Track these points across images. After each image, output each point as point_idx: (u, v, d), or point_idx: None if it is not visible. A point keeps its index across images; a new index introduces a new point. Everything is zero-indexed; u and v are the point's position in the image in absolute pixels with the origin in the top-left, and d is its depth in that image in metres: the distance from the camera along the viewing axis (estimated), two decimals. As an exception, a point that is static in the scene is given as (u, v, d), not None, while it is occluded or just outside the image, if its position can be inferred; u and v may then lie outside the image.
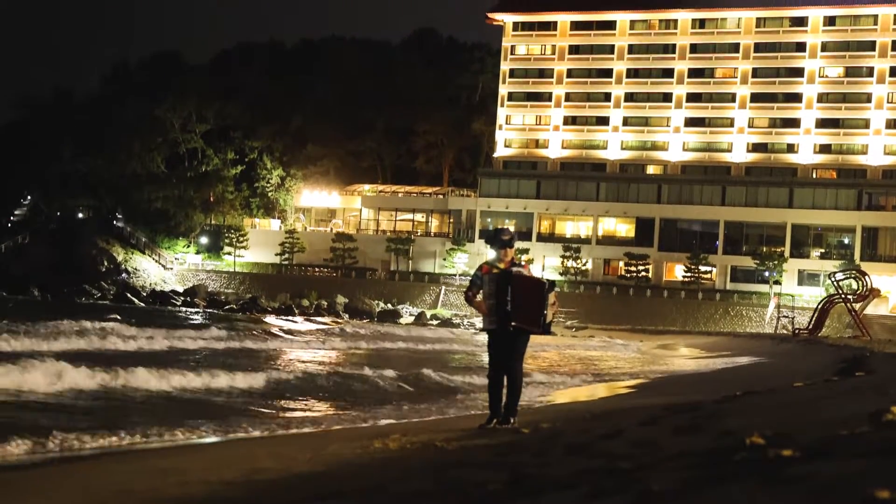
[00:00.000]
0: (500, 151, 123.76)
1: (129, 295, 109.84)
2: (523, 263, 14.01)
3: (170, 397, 20.95)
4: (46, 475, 11.56)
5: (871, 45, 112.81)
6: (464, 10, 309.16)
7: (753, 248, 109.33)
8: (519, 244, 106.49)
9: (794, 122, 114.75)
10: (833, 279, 76.51)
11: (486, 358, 14.43)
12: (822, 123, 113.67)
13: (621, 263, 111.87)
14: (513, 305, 13.44)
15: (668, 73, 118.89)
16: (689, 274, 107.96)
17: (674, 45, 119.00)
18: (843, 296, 73.24)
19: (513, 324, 13.46)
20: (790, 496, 5.36)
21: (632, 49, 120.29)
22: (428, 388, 24.87)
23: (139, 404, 19.55)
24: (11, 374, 20.59)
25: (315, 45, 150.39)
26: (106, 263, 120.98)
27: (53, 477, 11.36)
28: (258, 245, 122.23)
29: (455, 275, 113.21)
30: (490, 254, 13.96)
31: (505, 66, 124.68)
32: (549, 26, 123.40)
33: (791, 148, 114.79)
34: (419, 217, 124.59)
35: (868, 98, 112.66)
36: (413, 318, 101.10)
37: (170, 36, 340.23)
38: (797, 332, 72.54)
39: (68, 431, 14.29)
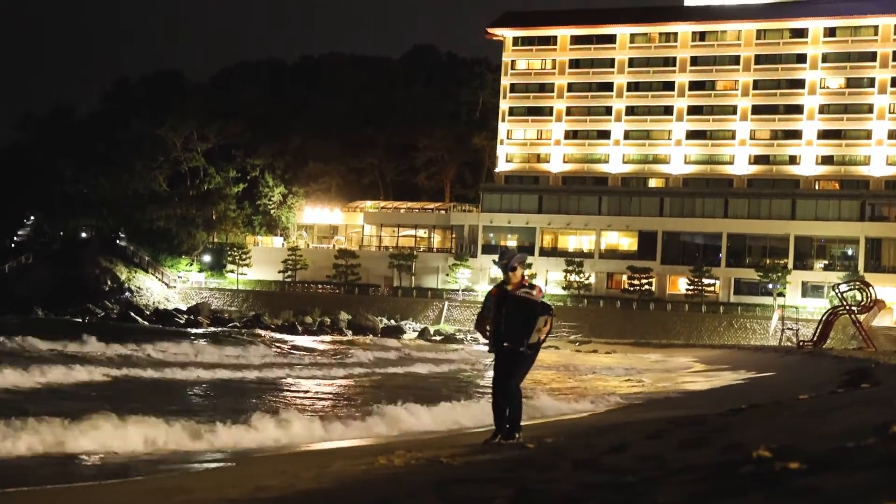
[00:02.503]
0: (502, 166, 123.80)
1: (132, 314, 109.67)
2: (534, 284, 13.98)
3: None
4: (49, 494, 11.52)
5: (871, 56, 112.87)
6: (463, 26, 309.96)
7: (757, 261, 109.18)
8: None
9: (795, 134, 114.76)
10: (837, 291, 76.49)
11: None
12: (824, 134, 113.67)
13: (624, 277, 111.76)
14: (505, 326, 13.60)
15: (669, 86, 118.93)
16: (692, 287, 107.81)
17: (674, 58, 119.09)
18: (847, 307, 73.17)
19: (504, 343, 13.61)
20: (798, 509, 5.33)
21: (632, 62, 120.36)
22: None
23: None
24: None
25: (315, 62, 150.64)
26: (109, 283, 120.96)
27: (59, 496, 11.32)
28: (261, 262, 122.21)
29: (458, 290, 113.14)
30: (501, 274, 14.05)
31: (505, 81, 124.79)
32: (549, 41, 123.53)
33: (793, 159, 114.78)
34: (421, 233, 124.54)
35: (869, 109, 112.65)
36: (416, 333, 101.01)
37: (170, 54, 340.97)
38: (802, 344, 72.40)
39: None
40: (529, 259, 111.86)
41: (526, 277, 14.07)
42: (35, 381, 28.43)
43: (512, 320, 13.69)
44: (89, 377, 30.74)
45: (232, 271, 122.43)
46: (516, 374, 13.76)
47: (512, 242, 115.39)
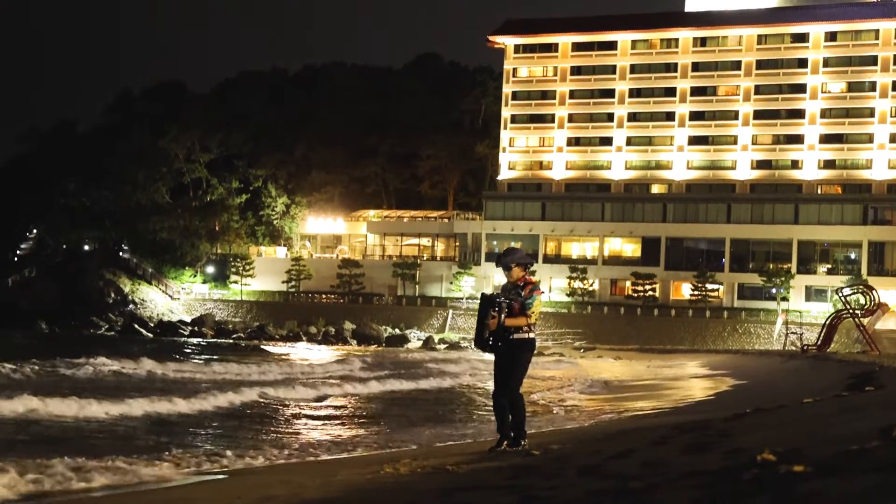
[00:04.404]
0: (505, 174, 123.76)
1: (136, 326, 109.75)
2: (528, 282, 13.76)
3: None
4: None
5: (872, 60, 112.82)
6: (465, 35, 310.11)
7: (760, 265, 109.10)
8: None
9: (797, 139, 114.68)
10: (841, 295, 76.38)
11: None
12: (826, 139, 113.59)
13: (628, 283, 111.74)
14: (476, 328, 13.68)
15: (671, 91, 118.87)
16: (696, 292, 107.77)
17: (675, 64, 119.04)
18: (851, 311, 73.09)
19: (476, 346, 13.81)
20: (802, 513, 5.34)
21: (634, 69, 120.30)
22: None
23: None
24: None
25: (317, 71, 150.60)
26: (113, 295, 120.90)
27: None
28: (264, 273, 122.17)
29: (462, 298, 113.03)
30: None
31: (507, 89, 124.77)
32: (551, 48, 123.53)
33: (795, 164, 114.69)
34: (425, 241, 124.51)
35: (871, 113, 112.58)
36: (421, 342, 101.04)
37: (172, 66, 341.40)
38: (806, 348, 72.33)
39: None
40: (533, 266, 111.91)
41: (528, 276, 13.89)
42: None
43: (477, 321, 13.71)
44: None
45: (235, 282, 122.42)
46: (510, 376, 13.65)
47: (519, 248, 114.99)
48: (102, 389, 29.45)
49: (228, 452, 16.53)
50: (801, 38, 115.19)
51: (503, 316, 13.37)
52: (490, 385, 16.49)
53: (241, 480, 13.32)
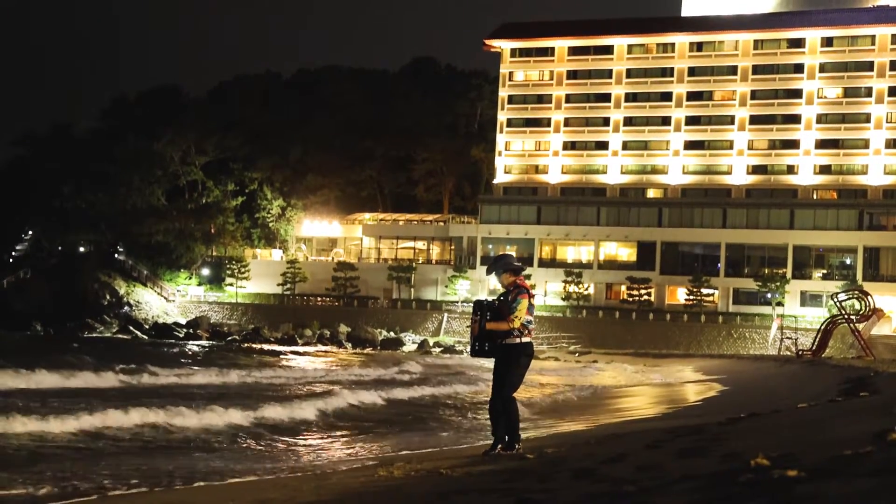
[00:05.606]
0: (500, 178, 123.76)
1: (131, 328, 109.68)
2: (516, 286, 13.74)
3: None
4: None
5: (869, 66, 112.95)
6: (461, 38, 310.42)
7: (755, 270, 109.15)
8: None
9: (793, 144, 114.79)
10: (836, 300, 76.42)
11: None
12: (822, 144, 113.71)
13: (623, 287, 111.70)
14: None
15: (667, 96, 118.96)
16: (691, 297, 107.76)
17: (672, 69, 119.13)
18: (846, 316, 73.13)
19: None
20: (796, 517, 5.34)
21: (630, 73, 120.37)
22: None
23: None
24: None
25: (313, 75, 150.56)
26: (108, 297, 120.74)
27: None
28: (260, 276, 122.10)
29: (457, 302, 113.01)
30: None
31: (503, 93, 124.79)
32: (547, 52, 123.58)
33: (791, 169, 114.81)
34: (420, 245, 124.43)
35: (867, 118, 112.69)
36: (416, 345, 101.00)
37: (169, 69, 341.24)
38: (801, 353, 72.36)
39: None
40: (528, 270, 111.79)
41: (520, 280, 13.88)
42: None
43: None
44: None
45: (231, 285, 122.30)
46: (504, 381, 13.64)
47: (510, 253, 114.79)
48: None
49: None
50: (798, 43, 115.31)
51: (485, 321, 13.46)
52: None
53: (235, 484, 13.30)
